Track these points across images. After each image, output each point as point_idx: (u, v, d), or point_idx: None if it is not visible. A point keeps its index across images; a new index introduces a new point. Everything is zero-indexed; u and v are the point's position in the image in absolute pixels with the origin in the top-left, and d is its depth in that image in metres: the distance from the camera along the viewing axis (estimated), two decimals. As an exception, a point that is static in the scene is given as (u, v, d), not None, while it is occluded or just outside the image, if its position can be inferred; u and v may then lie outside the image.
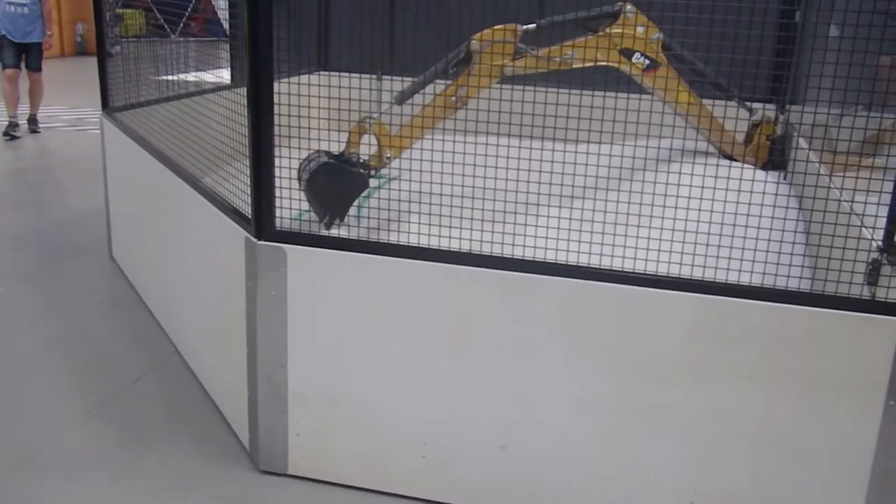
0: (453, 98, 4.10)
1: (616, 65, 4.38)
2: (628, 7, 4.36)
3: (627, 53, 4.38)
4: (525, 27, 4.21)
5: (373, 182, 4.08)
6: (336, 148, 3.92)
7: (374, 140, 4.12)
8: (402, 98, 4.23)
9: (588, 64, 4.25)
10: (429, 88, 4.19)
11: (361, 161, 4.10)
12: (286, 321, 2.90)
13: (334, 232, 2.91)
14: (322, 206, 3.92)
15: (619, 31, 4.31)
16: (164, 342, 4.15)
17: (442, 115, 4.06)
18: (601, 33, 4.35)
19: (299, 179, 3.99)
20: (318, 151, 3.99)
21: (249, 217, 2.93)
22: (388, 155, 4.12)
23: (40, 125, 9.51)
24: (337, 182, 3.99)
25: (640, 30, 4.36)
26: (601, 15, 4.40)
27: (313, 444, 3.00)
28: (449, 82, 4.15)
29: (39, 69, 9.16)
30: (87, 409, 3.52)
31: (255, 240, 2.88)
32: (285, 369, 2.94)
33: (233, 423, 3.36)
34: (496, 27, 4.13)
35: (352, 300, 2.84)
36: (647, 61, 4.42)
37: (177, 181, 3.71)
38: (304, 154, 3.65)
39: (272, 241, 2.86)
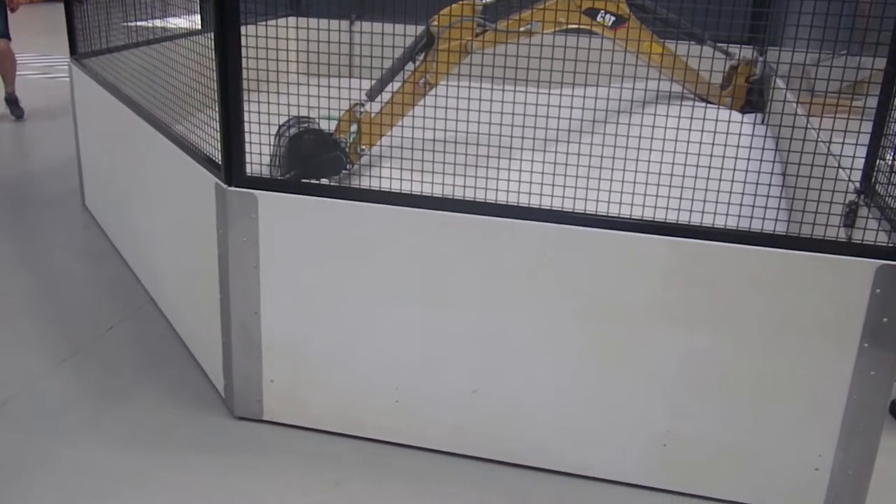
0: (420, 83, 4.10)
1: (583, 26, 4.37)
2: None
3: (591, 13, 4.36)
4: (485, 1, 4.19)
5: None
6: (307, 95, 3.87)
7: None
8: (372, 94, 4.27)
9: (554, 30, 4.21)
10: (403, 76, 4.20)
11: (343, 147, 4.16)
12: (258, 268, 2.87)
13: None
14: (291, 165, 3.94)
15: None
16: (138, 290, 4.12)
17: (411, 101, 4.04)
18: None
19: (277, 139, 3.98)
20: (292, 117, 3.98)
21: (220, 163, 2.87)
22: (363, 147, 4.15)
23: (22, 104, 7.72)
24: (319, 153, 4.04)
25: None
26: None
27: (287, 389, 3.00)
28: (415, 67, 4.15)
29: (6, 36, 7.23)
30: (60, 358, 3.49)
31: (225, 186, 2.83)
32: (258, 316, 2.92)
33: (208, 370, 3.34)
34: (454, 5, 4.10)
35: (324, 246, 2.81)
36: (613, 18, 4.40)
37: (147, 128, 3.64)
38: (276, 99, 3.61)
39: (242, 186, 2.82)
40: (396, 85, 4.26)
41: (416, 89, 4.10)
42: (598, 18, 4.41)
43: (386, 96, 4.23)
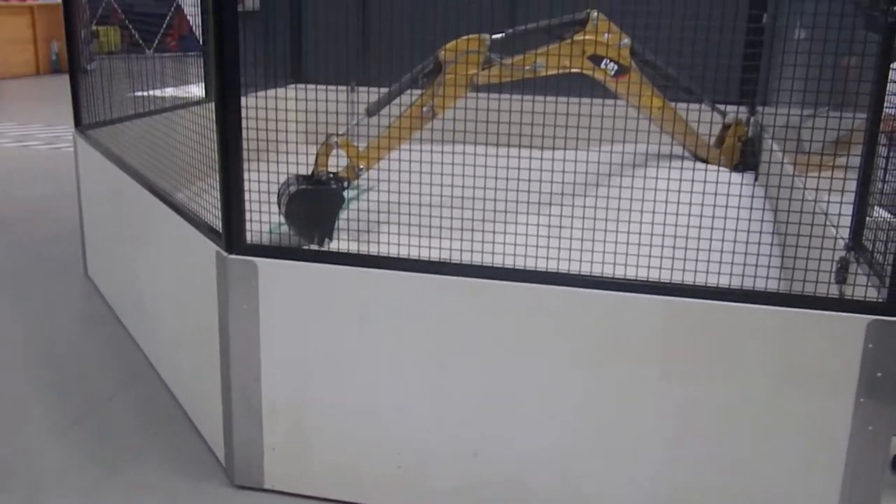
0: (425, 109, 4.12)
1: (585, 71, 4.42)
2: (595, 14, 4.42)
3: (596, 59, 4.42)
4: (494, 37, 4.23)
5: (349, 194, 4.09)
6: (310, 162, 3.92)
7: (344, 154, 4.13)
8: (373, 110, 4.24)
9: (558, 71, 4.28)
10: (400, 98, 4.20)
11: (333, 176, 4.10)
12: (259, 334, 2.89)
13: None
14: (307, 230, 3.94)
15: (587, 37, 4.36)
16: (139, 358, 4.13)
17: (414, 126, 4.08)
18: (569, 40, 4.39)
19: (279, 205, 4.00)
20: (290, 176, 3.99)
21: (220, 231, 2.92)
22: (361, 167, 4.12)
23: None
24: (313, 204, 4.00)
25: (607, 36, 4.41)
26: (569, 22, 4.45)
27: (288, 457, 3.00)
28: (420, 92, 4.16)
29: None
30: (62, 427, 3.50)
31: (225, 254, 2.87)
32: (259, 382, 2.93)
33: (208, 437, 3.35)
34: (464, 37, 4.15)
35: (324, 311, 2.84)
36: (616, 67, 4.47)
37: (149, 197, 3.71)
38: (278, 167, 3.67)
39: (243, 254, 2.86)
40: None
41: (419, 114, 4.11)
42: (602, 66, 4.49)
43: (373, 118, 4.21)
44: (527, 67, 4.23)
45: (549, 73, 4.26)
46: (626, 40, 4.44)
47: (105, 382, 3.90)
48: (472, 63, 4.16)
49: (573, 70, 4.41)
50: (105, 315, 4.70)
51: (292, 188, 4.02)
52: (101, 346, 4.30)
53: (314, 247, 3.82)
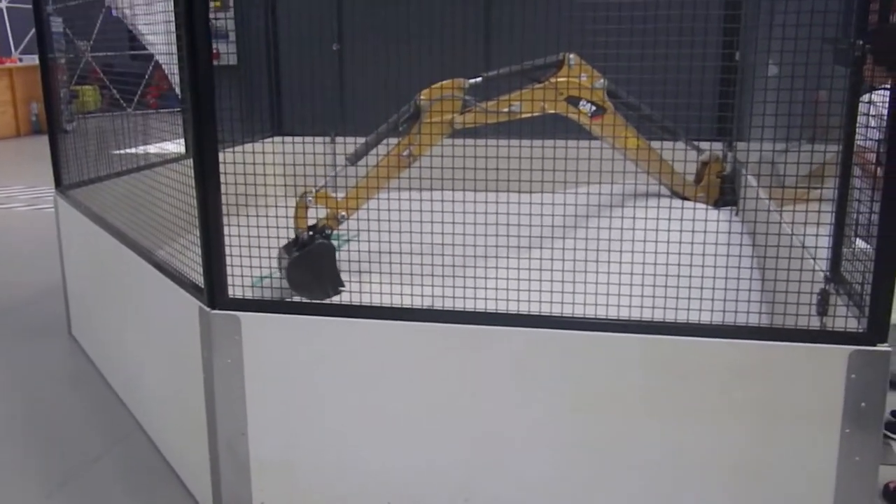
0: (404, 154, 4.18)
1: (563, 112, 4.48)
2: (571, 56, 4.49)
3: (573, 101, 4.49)
4: (471, 81, 4.31)
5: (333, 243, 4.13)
6: (291, 216, 3.94)
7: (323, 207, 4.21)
8: (355, 158, 4.31)
9: (535, 113, 4.33)
10: (377, 148, 4.25)
11: (313, 231, 4.16)
12: (244, 389, 2.88)
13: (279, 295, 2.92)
14: (319, 290, 4.00)
15: (563, 79, 4.43)
16: (125, 417, 4.09)
17: (394, 172, 4.14)
18: (546, 83, 4.45)
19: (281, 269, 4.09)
20: (280, 251, 4.11)
21: (202, 287, 2.92)
22: (343, 214, 4.17)
23: None
24: (311, 266, 4.06)
25: (583, 78, 4.48)
26: (545, 65, 4.52)
27: (278, 511, 2.96)
28: (399, 139, 4.21)
29: None
30: (47, 490, 3.45)
31: (208, 309, 2.87)
32: (246, 437, 2.91)
33: (196, 495, 3.30)
34: (442, 83, 4.23)
35: (309, 363, 2.83)
36: (593, 108, 4.53)
37: (131, 255, 3.70)
38: (261, 221, 3.71)
39: (226, 309, 2.86)
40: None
41: (400, 160, 4.17)
42: (579, 107, 4.54)
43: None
44: (504, 110, 4.29)
45: (527, 115, 4.31)
46: (602, 81, 4.51)
47: (91, 442, 3.85)
48: (450, 107, 4.23)
49: (551, 112, 4.47)
50: (90, 374, 4.66)
51: (284, 262, 4.08)
52: (86, 406, 4.26)
53: (335, 299, 3.87)
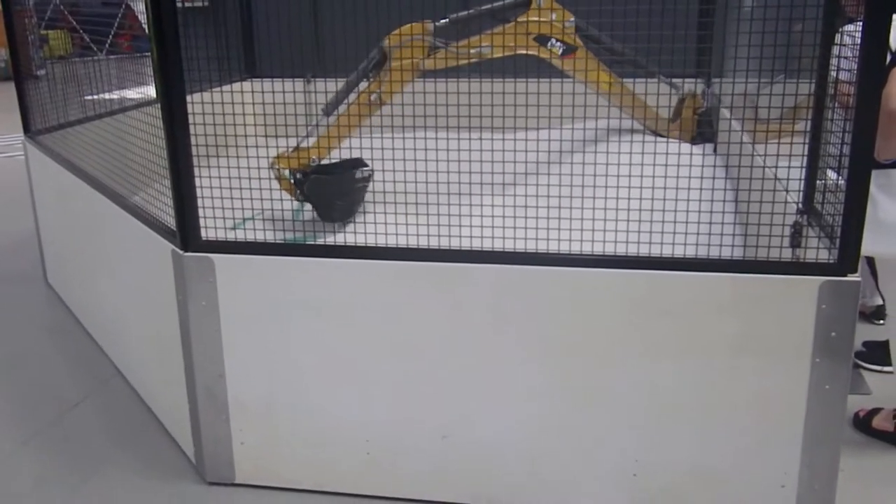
0: (372, 97, 4.19)
1: (532, 53, 4.46)
2: None
3: (542, 40, 4.45)
4: (437, 23, 4.27)
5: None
6: (268, 154, 3.96)
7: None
8: (328, 109, 4.32)
9: (504, 54, 4.30)
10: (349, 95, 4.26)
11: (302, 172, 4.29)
12: (220, 331, 2.88)
13: (262, 238, 2.90)
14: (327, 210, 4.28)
15: (532, 19, 4.38)
16: (104, 363, 4.09)
17: (364, 116, 4.15)
18: (515, 23, 4.40)
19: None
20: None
21: (175, 230, 2.89)
22: (315, 158, 4.21)
23: None
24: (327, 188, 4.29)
25: (553, 16, 4.43)
26: (514, 4, 4.45)
27: (258, 451, 2.99)
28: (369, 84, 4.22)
29: None
30: (27, 437, 3.46)
31: (181, 252, 2.85)
32: (223, 379, 2.92)
33: (177, 438, 3.32)
34: (407, 26, 4.19)
35: (283, 304, 2.83)
36: (563, 46, 4.50)
37: (104, 201, 3.66)
38: (234, 163, 3.69)
39: (199, 251, 2.84)
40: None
41: (370, 106, 4.21)
42: (549, 46, 4.53)
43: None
44: (472, 51, 4.25)
45: (496, 55, 4.27)
46: (572, 20, 4.47)
47: (70, 389, 3.86)
48: (417, 50, 4.20)
49: (520, 52, 4.43)
50: (67, 321, 4.65)
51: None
52: (63, 353, 4.25)
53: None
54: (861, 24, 2.31)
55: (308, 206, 4.34)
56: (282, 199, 4.34)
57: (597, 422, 2.72)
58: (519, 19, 4.40)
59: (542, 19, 4.41)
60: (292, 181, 4.32)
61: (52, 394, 3.82)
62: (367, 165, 4.34)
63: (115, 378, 3.94)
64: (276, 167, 4.26)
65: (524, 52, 4.45)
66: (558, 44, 4.50)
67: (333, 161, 4.34)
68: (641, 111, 5.02)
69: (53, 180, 4.61)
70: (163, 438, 3.40)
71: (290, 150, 4.25)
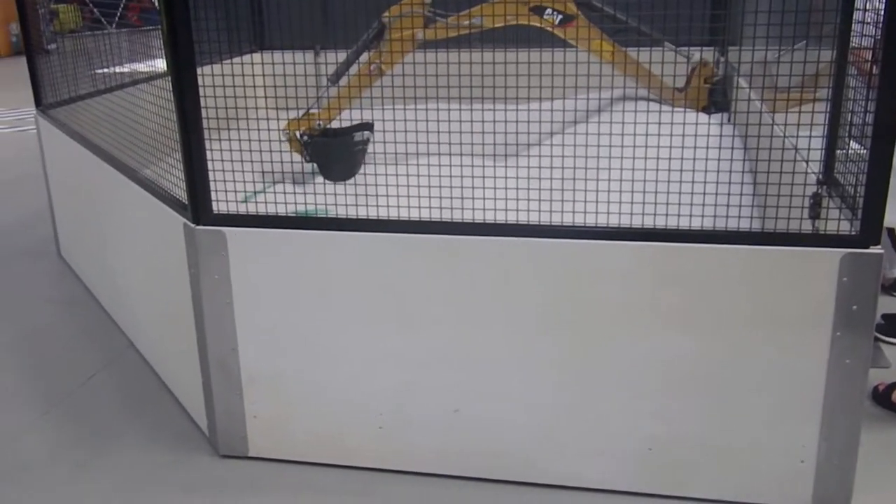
0: (372, 67, 4.51)
1: (531, 22, 4.57)
2: None
3: (538, 10, 4.57)
4: None
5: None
6: (278, 126, 4.09)
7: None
8: (333, 78, 4.70)
9: (499, 24, 4.40)
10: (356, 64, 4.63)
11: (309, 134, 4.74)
12: (232, 304, 2.86)
13: (273, 211, 2.88)
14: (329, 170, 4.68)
15: None
16: (117, 337, 4.10)
17: (363, 84, 4.48)
18: None
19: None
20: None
21: (186, 203, 2.87)
22: (320, 123, 4.65)
23: None
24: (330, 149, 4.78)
25: None
26: None
27: (270, 424, 2.99)
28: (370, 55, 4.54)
29: None
30: (42, 410, 3.47)
31: (193, 225, 2.83)
32: (236, 352, 2.91)
33: (191, 410, 3.33)
34: (404, 1, 4.45)
35: (295, 277, 2.81)
36: (560, 16, 4.57)
37: (116, 175, 3.64)
38: (245, 136, 3.70)
39: (210, 224, 2.82)
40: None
41: (370, 76, 4.51)
42: (546, 16, 4.61)
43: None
44: (466, 23, 4.41)
45: (492, 26, 4.40)
46: None
47: (84, 362, 3.87)
48: (415, 21, 4.46)
49: (514, 22, 4.61)
50: (80, 294, 4.65)
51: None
52: (77, 326, 4.26)
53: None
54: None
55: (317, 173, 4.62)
56: (293, 172, 4.36)
57: (610, 396, 2.69)
58: None
59: None
60: (301, 143, 4.74)
61: (65, 367, 3.83)
62: (373, 128, 4.65)
63: (128, 351, 3.95)
64: (288, 130, 4.63)
65: (520, 21, 4.60)
66: (555, 13, 4.59)
67: (345, 125, 4.70)
68: (646, 80, 4.99)
69: (65, 154, 4.59)
70: (176, 411, 3.40)
71: (301, 115, 4.60)
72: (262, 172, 2.87)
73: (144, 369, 3.76)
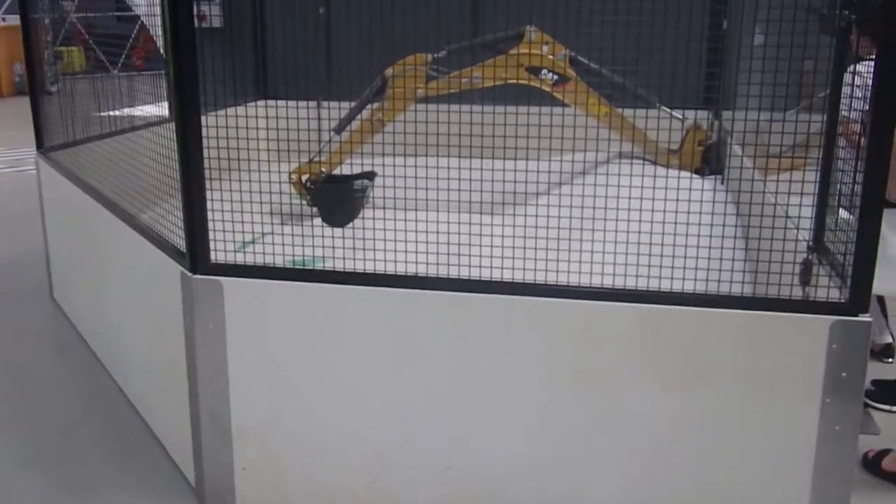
0: (374, 121, 4.73)
1: (525, 82, 4.76)
2: (530, 28, 4.76)
3: (535, 70, 4.73)
4: (436, 55, 4.75)
5: None
6: (280, 177, 4.20)
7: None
8: (339, 128, 4.93)
9: (497, 83, 4.63)
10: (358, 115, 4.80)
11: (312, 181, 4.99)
12: (226, 354, 2.87)
13: (271, 261, 2.91)
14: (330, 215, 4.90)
15: (523, 50, 4.75)
16: (107, 382, 4.08)
17: (367, 137, 4.75)
18: (508, 54, 4.76)
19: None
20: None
21: (184, 252, 2.89)
22: (324, 171, 4.89)
23: None
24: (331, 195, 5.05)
25: (545, 48, 4.75)
26: (506, 37, 4.84)
27: (259, 477, 2.97)
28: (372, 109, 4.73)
29: None
30: (29, 456, 3.44)
31: (190, 274, 2.85)
32: (227, 403, 2.90)
33: (178, 460, 3.31)
34: (407, 58, 4.69)
35: (291, 329, 2.82)
36: (556, 77, 4.74)
37: (113, 219, 3.67)
38: (246, 186, 3.75)
39: (208, 274, 2.84)
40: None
41: (368, 126, 4.80)
42: (541, 76, 4.79)
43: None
44: (464, 80, 4.59)
45: (491, 84, 4.61)
46: (565, 52, 4.76)
47: (71, 408, 3.84)
48: (415, 78, 4.65)
49: (512, 81, 4.80)
50: (71, 338, 4.64)
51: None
52: (67, 370, 4.24)
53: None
54: (872, 62, 2.31)
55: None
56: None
57: (603, 453, 2.70)
58: (511, 52, 4.75)
59: (533, 51, 4.74)
60: (305, 188, 5.02)
61: (52, 412, 3.81)
62: (376, 176, 4.92)
63: (117, 397, 3.93)
64: (294, 176, 4.94)
65: (516, 81, 4.77)
66: (550, 74, 4.75)
67: (353, 172, 4.96)
68: (640, 141, 5.10)
69: (64, 196, 4.62)
70: (163, 460, 3.38)
71: (307, 162, 4.87)
72: (262, 223, 2.90)
73: (132, 416, 3.74)
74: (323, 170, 4.96)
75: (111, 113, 4.80)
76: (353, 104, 4.94)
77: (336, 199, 5.05)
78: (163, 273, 3.06)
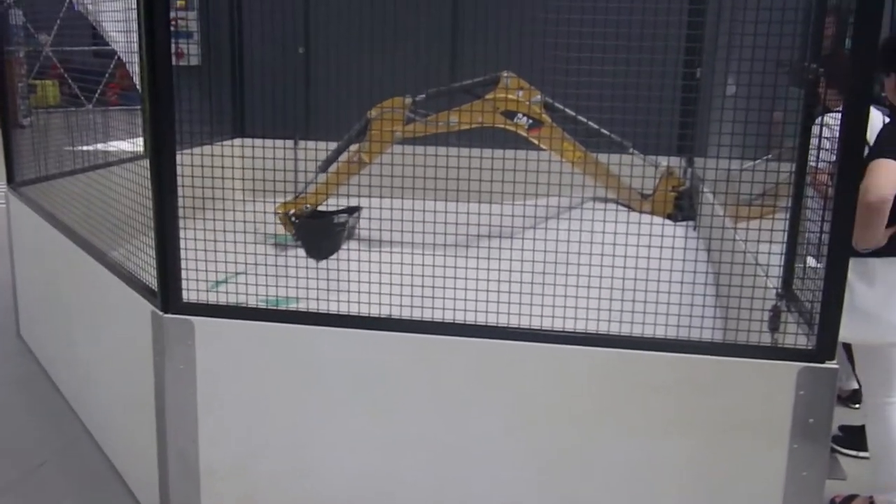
0: (354, 160, 4.98)
1: (500, 125, 4.97)
2: (506, 74, 4.97)
3: (510, 115, 4.91)
4: (416, 98, 4.99)
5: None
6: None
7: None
8: (323, 167, 5.23)
9: (472, 125, 4.84)
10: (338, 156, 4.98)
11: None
12: (196, 395, 2.84)
13: (244, 301, 2.90)
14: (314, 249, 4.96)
15: (499, 95, 4.98)
16: (73, 422, 4.00)
17: (350, 173, 4.98)
18: (485, 98, 5.00)
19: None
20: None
21: (156, 290, 2.87)
22: (307, 206, 5.17)
23: None
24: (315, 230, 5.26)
25: (520, 94, 4.94)
26: (482, 82, 5.06)
27: (228, 520, 2.92)
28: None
29: None
30: (-11, 497, 3.37)
31: (161, 313, 2.82)
32: (196, 444, 2.87)
33: (144, 502, 3.24)
34: (387, 101, 4.89)
35: (263, 370, 2.80)
36: (530, 121, 4.90)
37: (84, 256, 3.63)
38: (219, 225, 3.74)
39: (179, 313, 2.81)
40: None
41: (351, 166, 5.03)
42: (515, 120, 4.98)
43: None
44: (441, 123, 4.76)
45: (467, 127, 4.80)
46: (539, 97, 4.94)
47: (36, 447, 3.77)
48: (395, 120, 4.85)
49: (488, 125, 4.99)
50: (37, 376, 4.56)
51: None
52: (32, 409, 4.16)
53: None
54: (839, 114, 2.37)
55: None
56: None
57: (573, 497, 2.69)
58: (487, 96, 4.97)
59: (508, 96, 4.95)
60: (290, 222, 5.30)
61: (16, 452, 3.73)
62: (360, 210, 5.29)
63: (83, 437, 3.86)
64: (281, 210, 5.20)
65: (491, 124, 4.96)
66: (525, 118, 4.92)
67: (332, 209, 5.26)
68: (613, 186, 5.21)
69: (33, 232, 4.57)
70: (128, 502, 3.31)
71: (293, 198, 5.13)
72: (236, 262, 2.89)
73: (99, 457, 3.67)
74: (308, 205, 5.24)
75: (84, 148, 4.78)
76: (330, 144, 5.17)
77: (317, 233, 5.28)
78: (133, 311, 3.03)
